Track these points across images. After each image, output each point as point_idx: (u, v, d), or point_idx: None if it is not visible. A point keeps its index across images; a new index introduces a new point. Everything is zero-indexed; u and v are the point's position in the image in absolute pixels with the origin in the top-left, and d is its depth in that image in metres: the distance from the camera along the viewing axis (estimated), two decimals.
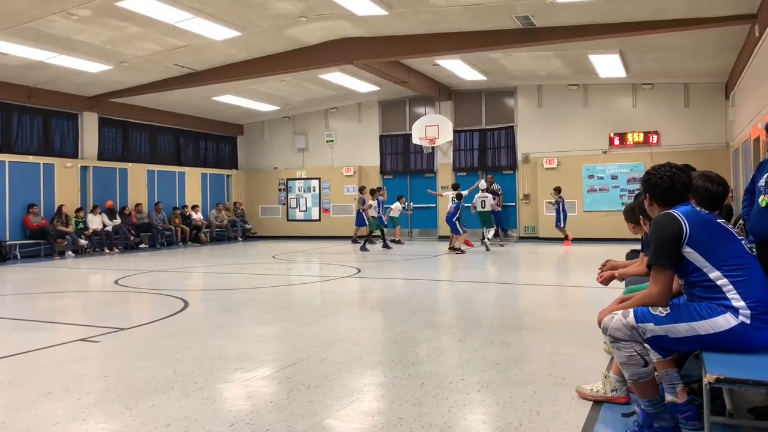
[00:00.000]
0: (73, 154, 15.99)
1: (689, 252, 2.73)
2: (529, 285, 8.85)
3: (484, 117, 18.38)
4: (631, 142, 16.64)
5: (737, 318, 2.63)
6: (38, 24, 10.55)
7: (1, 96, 13.90)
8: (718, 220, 2.86)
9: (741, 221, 4.53)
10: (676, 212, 2.80)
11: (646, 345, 2.81)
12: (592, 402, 3.37)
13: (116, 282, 9.30)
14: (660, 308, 2.76)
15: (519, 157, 17.87)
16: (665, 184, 2.90)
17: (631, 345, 2.80)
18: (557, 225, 15.83)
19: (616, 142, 16.79)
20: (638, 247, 4.60)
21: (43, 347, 4.96)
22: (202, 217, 18.63)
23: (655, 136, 16.35)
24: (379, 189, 16.52)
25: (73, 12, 10.11)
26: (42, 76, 13.76)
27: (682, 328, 2.70)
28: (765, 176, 3.88)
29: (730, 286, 2.68)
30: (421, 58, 14.41)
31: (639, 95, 16.66)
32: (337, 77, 15.70)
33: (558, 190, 15.89)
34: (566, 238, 15.80)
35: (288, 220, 20.43)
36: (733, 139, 14.85)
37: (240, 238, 19.46)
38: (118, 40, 11.75)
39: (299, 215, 20.33)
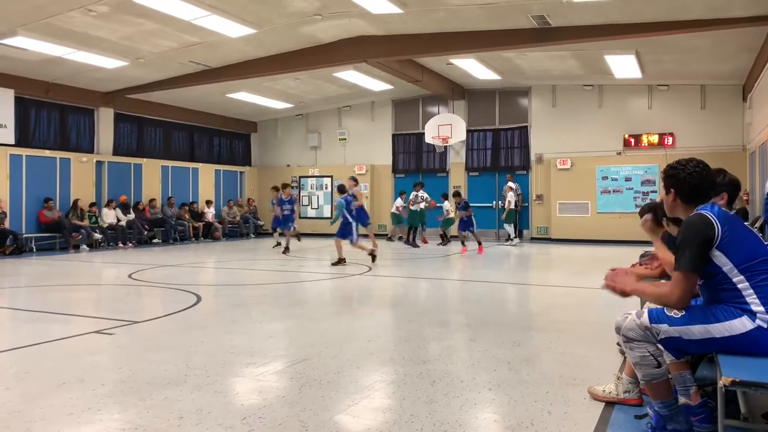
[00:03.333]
0: (89, 149, 16.15)
1: (717, 255, 2.66)
2: (540, 286, 8.81)
3: (497, 116, 18.32)
4: (646, 144, 16.50)
5: (754, 322, 2.60)
6: (57, 20, 10.66)
7: (19, 90, 14.06)
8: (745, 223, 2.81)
9: (757, 224, 4.49)
10: (709, 214, 2.69)
11: (659, 346, 2.79)
12: (604, 403, 3.35)
13: (130, 276, 9.38)
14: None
15: (532, 157, 17.79)
16: (694, 181, 2.77)
17: (645, 345, 2.78)
18: (469, 230, 13.96)
19: (631, 143, 16.66)
20: (652, 248, 4.56)
21: (58, 339, 5.02)
22: (213, 212, 18.69)
23: (671, 138, 16.20)
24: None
25: (92, 8, 10.21)
26: (60, 72, 13.90)
27: (697, 330, 2.68)
28: None
29: (751, 290, 2.63)
30: (434, 57, 14.39)
31: (654, 96, 16.51)
32: (351, 75, 15.72)
33: (457, 194, 14.44)
34: (464, 243, 14.24)
35: (300, 217, 20.46)
36: (750, 142, 14.68)
37: (252, 235, 19.54)
38: (134, 37, 11.84)
39: (311, 213, 20.39)
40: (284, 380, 3.86)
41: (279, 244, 14.95)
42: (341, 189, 11.86)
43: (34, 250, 13.78)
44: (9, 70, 13.49)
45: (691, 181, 2.78)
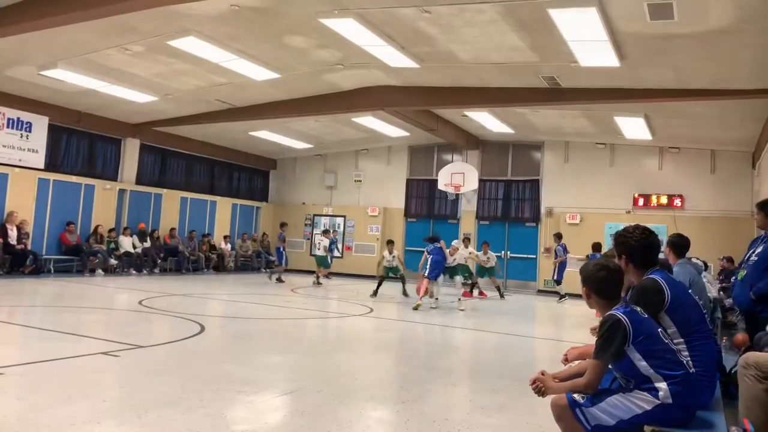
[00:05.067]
0: (113, 177, 16.80)
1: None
2: (534, 338, 8.99)
3: (510, 168, 18.71)
4: (655, 204, 16.72)
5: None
6: (95, 56, 11.37)
7: (53, 119, 14.81)
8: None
9: None
10: (660, 279, 3.04)
11: None
12: None
13: (140, 302, 9.75)
14: None
15: (542, 210, 18.08)
16: (643, 246, 3.12)
17: None
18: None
19: (641, 202, 16.90)
20: None
21: (67, 357, 5.36)
22: (229, 248, 19.17)
23: (680, 200, 16.41)
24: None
25: (128, 47, 10.90)
26: (92, 103, 14.64)
27: None
28: (748, 253, 4.15)
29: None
30: (449, 109, 14.93)
31: (665, 158, 16.81)
32: (369, 121, 16.27)
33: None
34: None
35: (311, 254, 20.82)
36: None
37: (263, 270, 19.90)
38: (165, 75, 12.52)
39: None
40: (270, 409, 4.16)
41: None
42: None
43: (52, 271, 14.26)
44: (46, 98, 14.26)
45: (639, 247, 3.10)
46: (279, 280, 16.01)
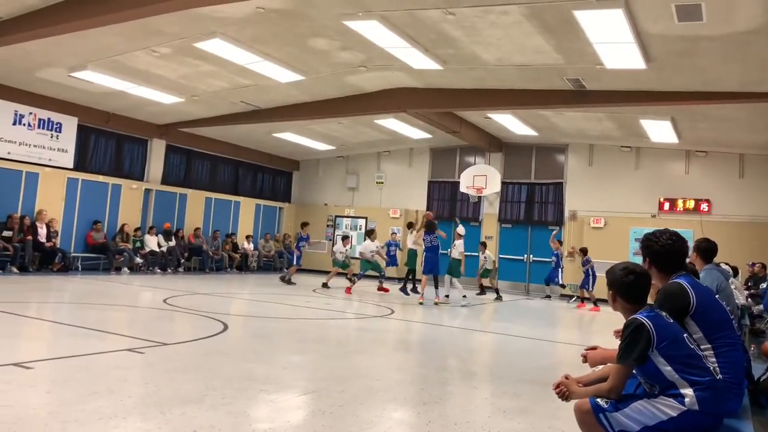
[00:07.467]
0: (140, 177, 17.08)
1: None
2: (556, 342, 8.91)
3: (533, 171, 18.58)
4: (681, 209, 16.47)
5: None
6: (123, 58, 11.59)
7: (82, 119, 15.12)
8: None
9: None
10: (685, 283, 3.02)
11: None
12: None
13: (165, 301, 9.89)
14: None
15: (566, 213, 17.91)
16: (667, 252, 3.12)
17: None
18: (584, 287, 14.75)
19: (666, 207, 16.66)
20: None
21: (94, 353, 5.47)
22: (252, 247, 19.34)
23: (707, 205, 16.14)
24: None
25: (155, 49, 11.09)
26: (120, 104, 14.92)
27: None
28: None
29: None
30: (472, 111, 14.88)
31: (692, 162, 16.55)
32: (391, 123, 16.31)
33: (584, 251, 15.03)
34: (583, 300, 14.71)
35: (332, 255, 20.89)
36: None
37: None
38: (191, 77, 12.71)
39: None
40: (292, 408, 4.19)
41: None
42: None
43: (80, 268, 14.54)
44: (75, 99, 14.57)
45: (663, 252, 3.08)
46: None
